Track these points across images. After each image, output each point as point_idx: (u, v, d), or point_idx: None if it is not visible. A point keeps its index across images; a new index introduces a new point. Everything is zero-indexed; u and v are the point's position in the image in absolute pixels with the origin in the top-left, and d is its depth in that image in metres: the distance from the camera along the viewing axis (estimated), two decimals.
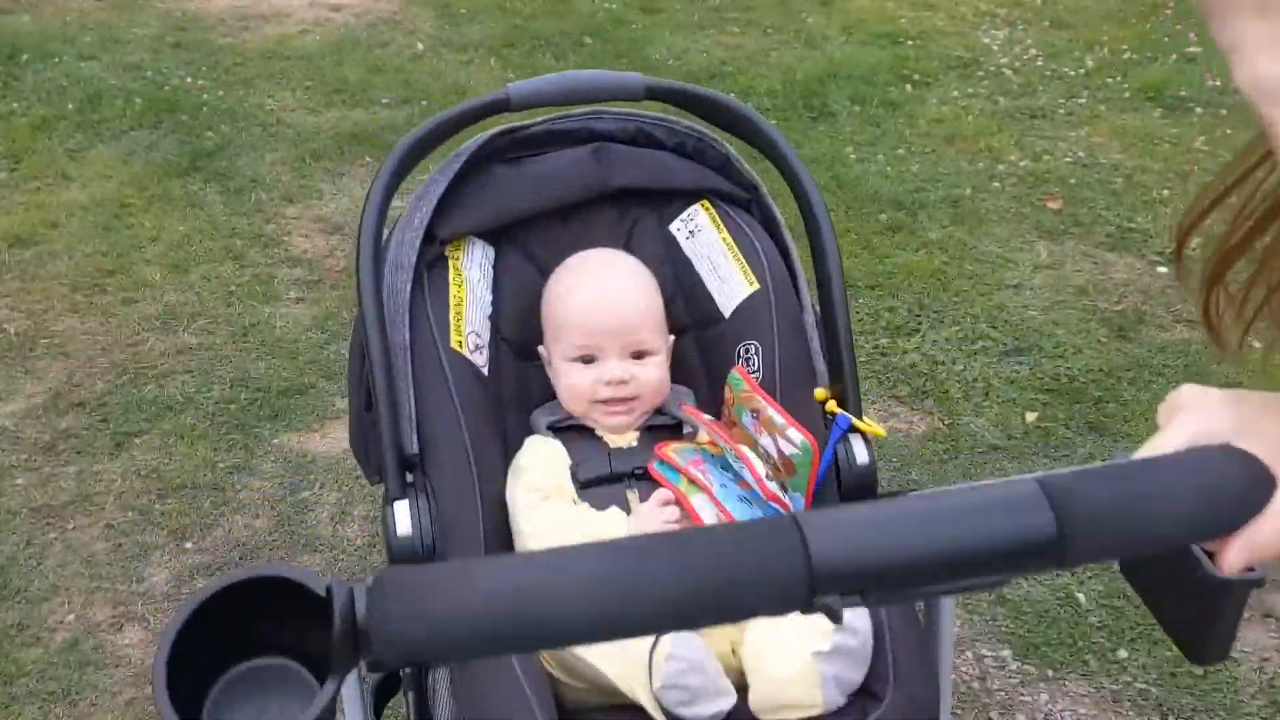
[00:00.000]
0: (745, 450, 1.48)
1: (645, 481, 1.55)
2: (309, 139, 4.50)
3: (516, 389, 1.69)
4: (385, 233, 1.61)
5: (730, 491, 1.49)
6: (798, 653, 1.31)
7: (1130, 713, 2.32)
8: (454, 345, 1.57)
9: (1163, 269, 3.62)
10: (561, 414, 1.63)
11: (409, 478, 1.49)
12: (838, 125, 4.53)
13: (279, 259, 3.79)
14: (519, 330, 1.70)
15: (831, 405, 1.58)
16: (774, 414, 1.48)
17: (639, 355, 1.61)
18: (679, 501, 1.49)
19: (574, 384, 1.60)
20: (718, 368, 1.69)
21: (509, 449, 1.63)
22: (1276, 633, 2.47)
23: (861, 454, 1.56)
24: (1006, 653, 2.44)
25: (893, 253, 3.70)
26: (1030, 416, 3.05)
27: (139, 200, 4.06)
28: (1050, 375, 3.19)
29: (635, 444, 1.60)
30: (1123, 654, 2.43)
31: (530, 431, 1.66)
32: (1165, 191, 4.01)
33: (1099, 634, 2.47)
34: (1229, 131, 4.39)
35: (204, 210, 4.03)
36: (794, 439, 1.46)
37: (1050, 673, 2.40)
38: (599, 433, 1.62)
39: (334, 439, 3.02)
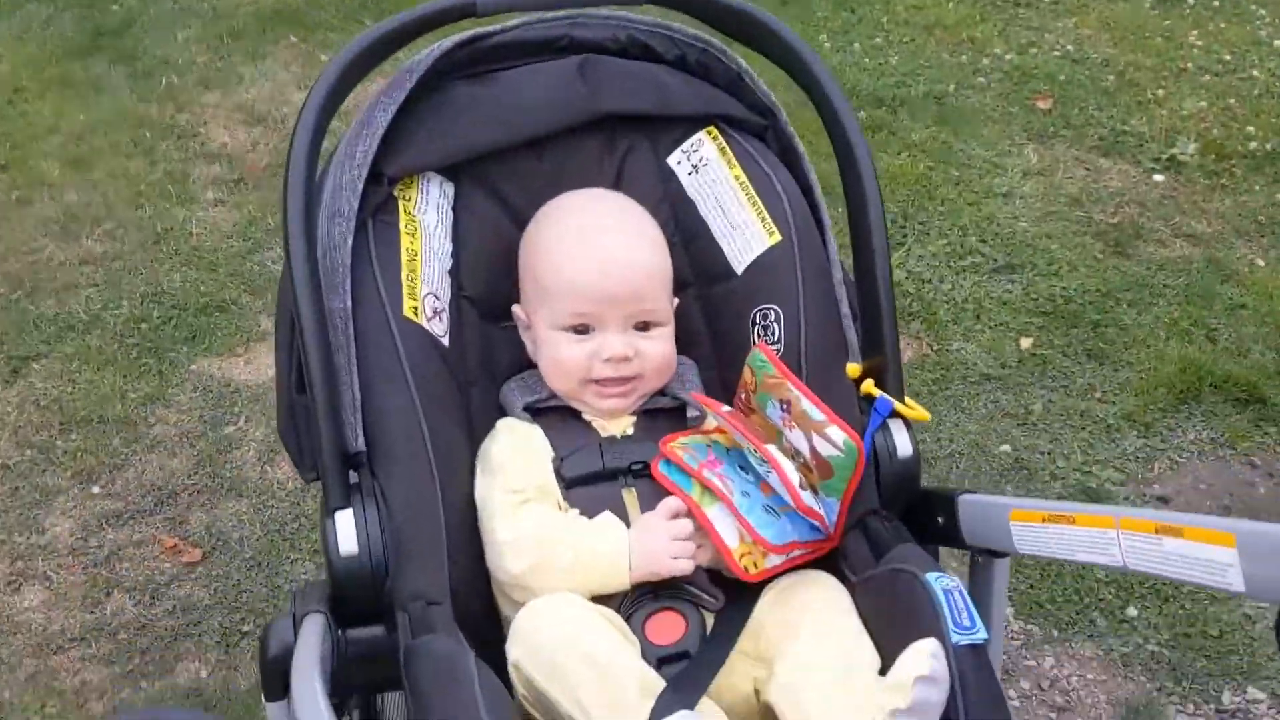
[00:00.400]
0: (774, 452, 1.21)
1: (644, 479, 1.28)
2: (226, 15, 4.05)
3: (481, 356, 1.40)
4: (319, 169, 1.28)
5: (753, 500, 1.22)
6: (869, 711, 1.05)
7: (1141, 677, 2.14)
8: (407, 313, 1.27)
9: (1159, 177, 3.37)
10: (542, 392, 1.34)
11: (353, 478, 1.21)
12: (809, 9, 4.18)
13: (194, 154, 3.39)
14: (484, 285, 1.40)
15: (869, 385, 1.31)
16: (810, 407, 1.21)
17: (644, 326, 1.32)
18: (691, 513, 1.22)
19: (564, 358, 1.31)
20: (726, 333, 1.41)
21: (474, 432, 1.35)
22: None
23: (904, 444, 1.30)
24: (1008, 611, 2.24)
25: (874, 155, 3.39)
26: (1025, 342, 2.81)
27: (34, 84, 3.62)
28: (1044, 296, 2.95)
29: (631, 432, 1.32)
30: (1132, 612, 2.24)
31: (499, 410, 1.37)
32: (1160, 91, 3.73)
33: (1106, 589, 2.28)
34: (1223, 26, 4.12)
35: (109, 96, 3.60)
36: (835, 439, 1.19)
37: (1055, 633, 2.21)
38: (587, 416, 1.34)
39: (260, 365, 2.70)
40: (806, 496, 1.20)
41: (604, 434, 1.32)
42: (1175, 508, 2.47)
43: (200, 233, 3.07)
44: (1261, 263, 3.04)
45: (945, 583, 1.12)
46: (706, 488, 1.22)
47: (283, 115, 3.54)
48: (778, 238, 1.36)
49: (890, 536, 1.25)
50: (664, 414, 1.35)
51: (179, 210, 3.15)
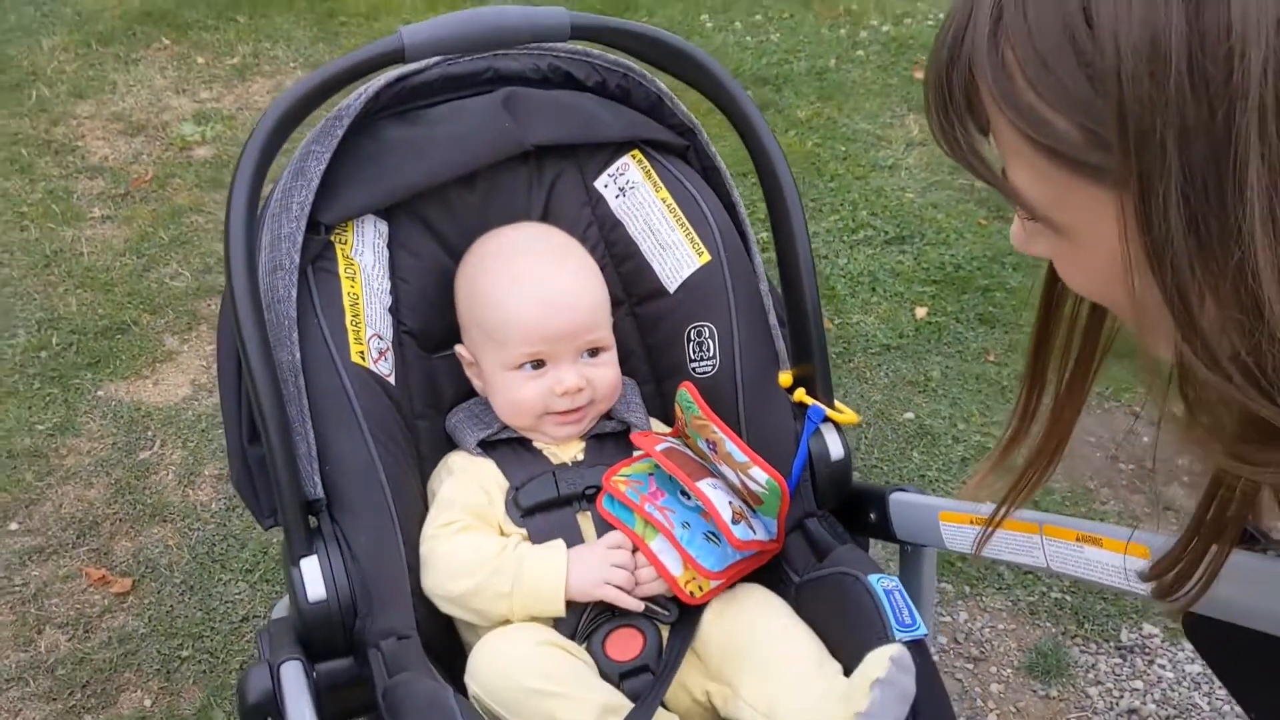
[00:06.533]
0: (706, 490, 1.27)
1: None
2: (92, 19, 3.93)
3: (426, 389, 1.44)
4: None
5: (694, 530, 1.28)
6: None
7: (1047, 623, 2.28)
8: (355, 358, 1.30)
9: None
10: (494, 425, 1.38)
11: (313, 522, 1.24)
12: None
13: (75, 169, 3.31)
14: (423, 319, 1.44)
15: (801, 394, 1.38)
16: (734, 449, 1.28)
17: (593, 353, 1.37)
18: (635, 545, 1.28)
19: (521, 398, 1.35)
20: (662, 349, 1.47)
21: (424, 465, 1.39)
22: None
23: (836, 447, 1.38)
24: None
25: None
26: (920, 312, 2.93)
27: None
28: (935, 264, 3.07)
29: (581, 457, 1.38)
30: None
31: (447, 441, 1.41)
32: None
33: None
34: None
35: None
36: (758, 479, 1.27)
37: (967, 589, 2.33)
38: (539, 445, 1.38)
39: (169, 386, 2.67)
40: (740, 530, 1.26)
41: (556, 461, 1.37)
42: (1065, 460, 2.62)
43: (91, 252, 3.01)
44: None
45: (886, 583, 1.20)
46: (649, 522, 1.28)
47: (163, 123, 3.47)
48: (707, 258, 1.42)
49: (829, 537, 1.33)
50: (611, 437, 1.41)
51: (66, 230, 3.07)
